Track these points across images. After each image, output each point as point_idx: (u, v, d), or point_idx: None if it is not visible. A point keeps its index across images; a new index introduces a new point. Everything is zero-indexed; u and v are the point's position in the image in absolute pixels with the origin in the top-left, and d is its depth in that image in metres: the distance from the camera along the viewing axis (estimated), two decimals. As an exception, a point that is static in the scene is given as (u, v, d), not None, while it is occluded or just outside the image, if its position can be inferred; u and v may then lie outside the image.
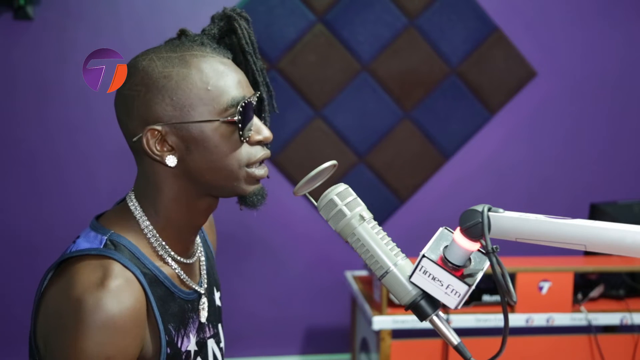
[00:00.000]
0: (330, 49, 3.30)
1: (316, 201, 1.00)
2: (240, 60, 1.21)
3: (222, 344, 1.22)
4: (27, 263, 3.22)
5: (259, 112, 1.13)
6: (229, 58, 1.08)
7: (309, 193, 1.02)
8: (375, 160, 3.42)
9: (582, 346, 2.60)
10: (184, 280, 1.10)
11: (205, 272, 1.17)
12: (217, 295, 1.22)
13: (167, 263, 1.07)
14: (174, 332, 1.05)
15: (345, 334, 3.43)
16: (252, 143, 1.05)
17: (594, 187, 3.56)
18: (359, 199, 0.99)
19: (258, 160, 1.06)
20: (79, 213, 3.17)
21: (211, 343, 1.16)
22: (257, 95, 1.07)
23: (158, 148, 1.01)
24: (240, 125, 1.02)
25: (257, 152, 1.06)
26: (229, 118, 1.01)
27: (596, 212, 2.87)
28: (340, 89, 3.34)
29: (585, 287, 2.67)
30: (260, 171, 1.06)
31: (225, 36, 1.19)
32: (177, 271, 1.08)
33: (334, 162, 1.00)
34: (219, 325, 1.22)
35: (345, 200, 0.98)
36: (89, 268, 0.97)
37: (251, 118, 1.04)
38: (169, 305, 1.04)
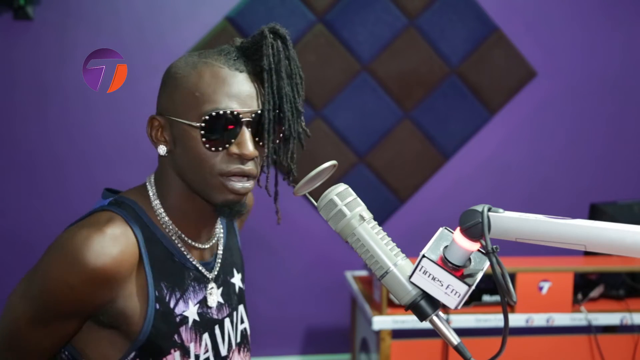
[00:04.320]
0: (330, 49, 3.30)
1: (316, 201, 1.00)
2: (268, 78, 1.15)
3: (244, 325, 1.26)
4: (26, 263, 3.21)
5: (259, 130, 1.09)
6: (241, 71, 1.08)
7: (309, 193, 1.02)
8: (375, 160, 3.42)
9: (582, 346, 2.60)
10: (190, 259, 1.14)
11: (219, 261, 1.21)
12: (237, 277, 1.26)
13: (172, 239, 1.12)
14: (165, 290, 1.09)
15: (345, 334, 3.43)
16: (231, 154, 1.06)
17: (594, 187, 3.56)
18: (359, 199, 0.99)
19: (231, 173, 1.07)
20: (79, 213, 3.16)
21: (227, 323, 1.20)
22: (257, 112, 1.07)
23: (154, 135, 1.11)
24: (202, 132, 1.05)
25: (232, 165, 1.07)
26: (197, 124, 1.05)
27: (596, 212, 2.87)
28: (340, 89, 3.34)
29: (585, 287, 2.66)
30: (236, 185, 1.08)
31: (256, 52, 1.13)
32: (182, 249, 1.13)
33: (334, 162, 1.00)
34: (241, 307, 1.25)
35: (345, 200, 0.98)
36: (96, 215, 1.10)
37: (223, 130, 1.05)
38: (165, 264, 1.10)
